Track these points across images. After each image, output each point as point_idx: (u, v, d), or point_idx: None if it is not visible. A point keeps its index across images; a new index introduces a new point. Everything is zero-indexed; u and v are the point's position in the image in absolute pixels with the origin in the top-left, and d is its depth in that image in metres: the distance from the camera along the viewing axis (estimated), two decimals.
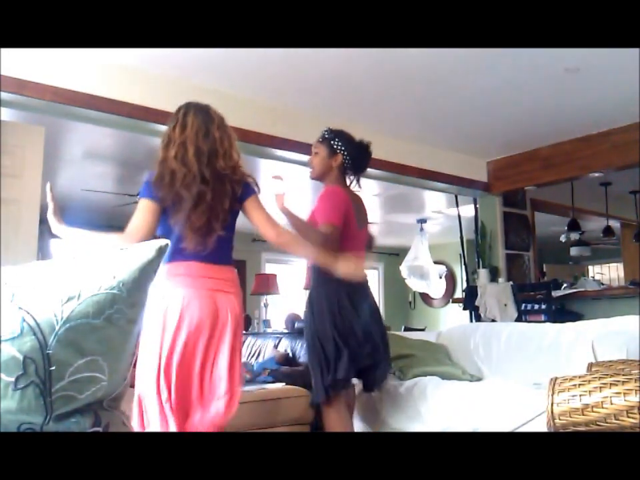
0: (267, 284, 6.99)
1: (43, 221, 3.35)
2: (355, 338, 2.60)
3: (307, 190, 5.40)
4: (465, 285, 5.90)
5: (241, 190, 2.20)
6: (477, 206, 5.61)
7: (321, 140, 2.82)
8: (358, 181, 2.88)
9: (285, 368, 4.05)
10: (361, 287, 2.71)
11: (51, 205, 2.19)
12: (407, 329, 7.22)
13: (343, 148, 2.78)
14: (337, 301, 2.61)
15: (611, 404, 1.64)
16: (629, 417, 1.61)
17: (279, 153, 4.08)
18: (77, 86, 3.18)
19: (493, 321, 4.73)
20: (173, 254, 2.07)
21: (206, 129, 2.17)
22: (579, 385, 1.73)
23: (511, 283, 5.00)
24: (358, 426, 3.19)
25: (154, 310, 2.07)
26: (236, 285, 2.22)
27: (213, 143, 2.16)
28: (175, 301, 2.07)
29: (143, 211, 2.10)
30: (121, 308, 0.97)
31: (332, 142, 2.79)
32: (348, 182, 2.87)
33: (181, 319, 2.05)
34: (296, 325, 5.55)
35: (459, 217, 5.68)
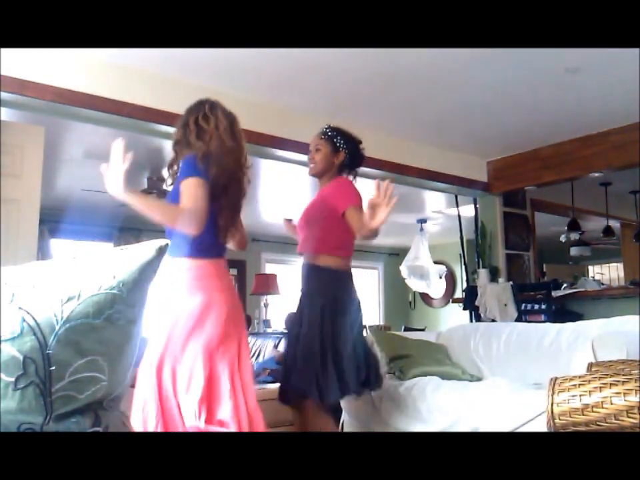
0: (267, 284, 6.99)
1: (43, 221, 3.36)
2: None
3: (306, 189, 5.41)
4: (465, 285, 5.90)
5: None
6: (477, 206, 5.61)
7: (323, 136, 2.81)
8: (354, 178, 2.88)
9: None
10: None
11: (123, 163, 2.03)
12: (406, 329, 7.23)
13: (345, 145, 2.79)
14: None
15: (611, 404, 1.64)
16: (628, 417, 1.60)
17: (279, 152, 4.08)
18: (77, 86, 3.18)
19: (493, 320, 4.73)
20: (210, 249, 2.15)
21: (232, 128, 2.26)
22: (579, 385, 1.73)
23: (511, 283, 5.00)
24: (358, 426, 3.19)
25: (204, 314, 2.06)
26: None
27: (239, 142, 2.27)
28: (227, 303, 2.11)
29: (201, 189, 2.04)
30: (121, 308, 0.97)
31: (335, 139, 2.79)
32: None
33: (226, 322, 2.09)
34: None
35: (459, 217, 5.68)
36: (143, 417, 1.99)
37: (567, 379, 1.78)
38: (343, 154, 2.78)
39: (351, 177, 2.86)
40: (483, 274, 5.28)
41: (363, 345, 2.69)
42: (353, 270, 2.74)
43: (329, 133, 2.81)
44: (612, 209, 6.73)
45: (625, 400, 1.62)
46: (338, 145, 2.78)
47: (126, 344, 1.02)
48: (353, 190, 2.70)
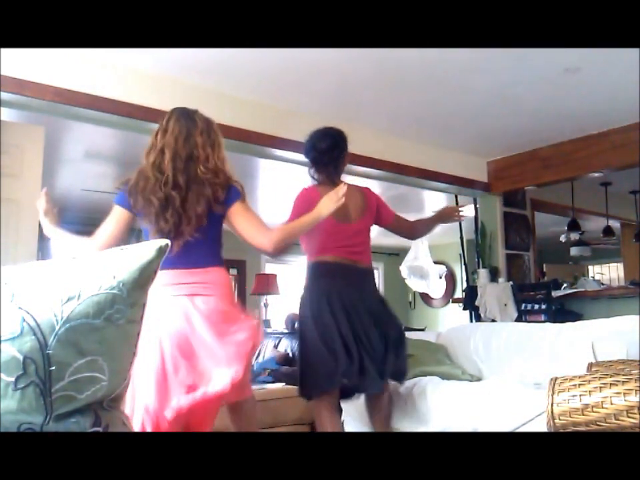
0: (267, 284, 7.00)
1: None
2: (332, 347, 2.52)
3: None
4: (465, 285, 5.90)
5: (225, 194, 2.14)
6: (477, 206, 5.61)
7: None
8: (327, 176, 2.78)
9: (285, 368, 4.05)
10: (355, 284, 2.67)
11: (44, 206, 2.24)
12: (407, 329, 7.17)
13: (305, 147, 2.83)
14: (317, 303, 2.60)
15: (611, 404, 1.64)
16: (628, 416, 1.61)
17: (279, 152, 4.08)
18: (77, 86, 3.18)
19: (493, 321, 4.73)
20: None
21: (187, 133, 2.15)
22: (579, 384, 1.73)
23: (511, 283, 5.00)
24: (358, 426, 3.18)
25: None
26: (219, 287, 2.14)
27: (194, 148, 2.14)
28: (151, 314, 2.02)
29: (112, 217, 2.18)
30: (121, 308, 0.97)
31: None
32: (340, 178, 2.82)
33: (158, 328, 2.03)
34: (296, 325, 5.55)
35: None
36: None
37: (567, 379, 1.78)
38: (306, 157, 2.84)
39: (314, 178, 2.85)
40: (482, 274, 5.28)
41: None
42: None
43: None
44: (612, 209, 6.73)
45: (625, 400, 1.62)
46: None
47: (126, 344, 1.02)
48: (293, 206, 2.70)
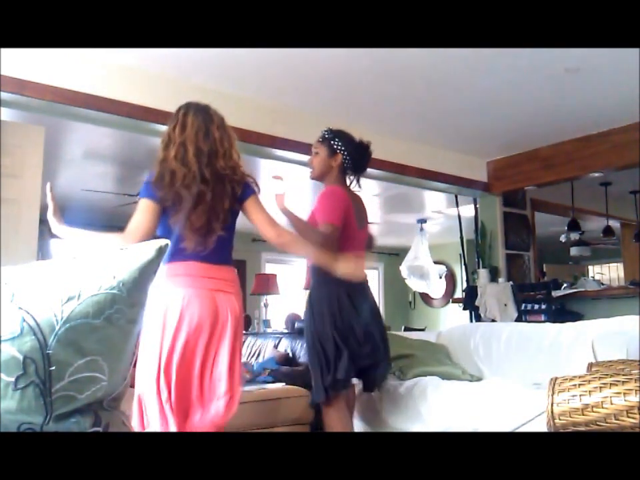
0: (267, 284, 6.99)
1: (43, 221, 3.34)
2: (354, 338, 2.61)
3: (307, 190, 5.41)
4: (465, 285, 5.90)
5: (240, 190, 2.20)
6: (477, 206, 5.61)
7: (321, 140, 2.82)
8: (358, 180, 2.88)
9: (285, 368, 4.05)
10: (361, 287, 2.73)
11: (51, 205, 2.21)
12: (407, 329, 7.22)
13: (342, 148, 2.77)
14: (337, 301, 2.61)
15: (611, 404, 1.64)
16: (628, 416, 1.61)
17: (279, 152, 4.08)
18: (76, 86, 3.18)
19: (493, 321, 4.73)
20: (172, 254, 2.06)
21: (206, 128, 2.17)
22: (579, 384, 1.73)
23: (511, 283, 5.00)
24: (358, 426, 3.18)
25: (154, 310, 2.07)
26: (236, 285, 2.23)
27: (213, 143, 2.16)
28: (175, 301, 2.08)
29: (143, 211, 2.12)
30: (121, 308, 0.97)
31: (332, 142, 2.79)
32: (348, 182, 2.87)
33: (181, 318, 2.06)
34: (296, 325, 5.55)
35: (459, 217, 5.68)
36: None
37: (567, 379, 1.78)
38: (340, 157, 2.77)
39: (354, 181, 2.86)
40: (483, 274, 5.28)
41: None
42: None
43: (326, 136, 2.81)
44: (612, 209, 6.73)
45: (625, 400, 1.62)
46: (335, 147, 2.78)
47: (126, 344, 1.02)
48: (328, 203, 2.68)
